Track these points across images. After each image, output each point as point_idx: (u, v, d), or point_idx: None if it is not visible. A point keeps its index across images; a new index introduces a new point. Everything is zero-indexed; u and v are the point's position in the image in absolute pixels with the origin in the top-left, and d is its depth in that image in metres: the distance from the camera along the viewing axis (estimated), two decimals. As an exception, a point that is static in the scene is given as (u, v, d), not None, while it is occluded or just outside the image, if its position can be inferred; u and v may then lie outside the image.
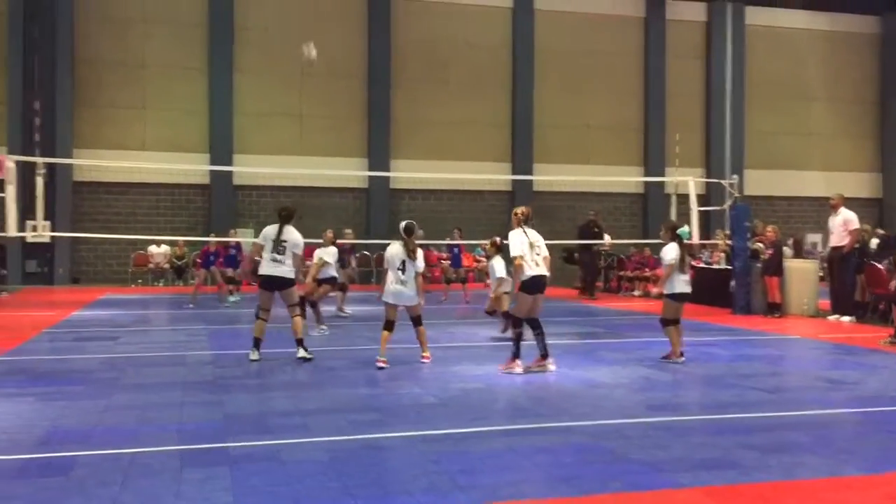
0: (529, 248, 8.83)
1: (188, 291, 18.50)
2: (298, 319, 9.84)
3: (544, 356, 8.99)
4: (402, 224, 9.50)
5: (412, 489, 4.72)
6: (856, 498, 4.71)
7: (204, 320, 14.55)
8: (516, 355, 8.88)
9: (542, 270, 8.90)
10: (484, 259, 26.10)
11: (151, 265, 24.35)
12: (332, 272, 13.07)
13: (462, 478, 4.94)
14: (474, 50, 27.49)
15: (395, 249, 9.32)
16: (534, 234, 9.02)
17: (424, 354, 9.51)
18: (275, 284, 9.70)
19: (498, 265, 11.81)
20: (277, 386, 8.08)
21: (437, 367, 9.20)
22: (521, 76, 27.68)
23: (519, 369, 8.79)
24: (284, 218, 9.88)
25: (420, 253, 9.40)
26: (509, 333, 9.78)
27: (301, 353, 9.56)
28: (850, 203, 15.52)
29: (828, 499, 4.68)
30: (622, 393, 7.82)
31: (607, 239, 21.42)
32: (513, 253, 8.97)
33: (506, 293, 11.70)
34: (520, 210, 9.18)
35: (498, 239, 12.05)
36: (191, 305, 16.92)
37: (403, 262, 9.22)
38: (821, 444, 5.88)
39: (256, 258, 10.23)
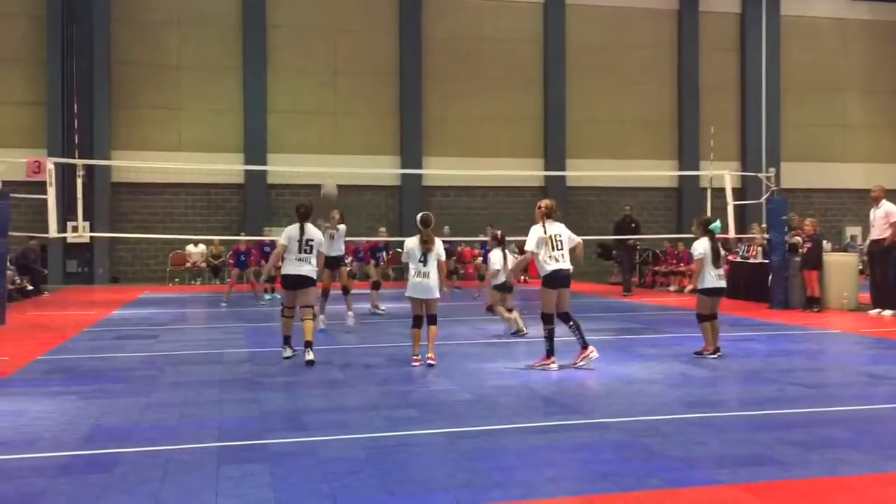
0: (546, 244, 8.77)
1: (224, 290, 18.69)
2: (310, 323, 9.46)
3: (584, 347, 8.93)
4: (419, 216, 9.41)
5: (450, 486, 4.73)
6: (900, 495, 4.63)
7: (240, 318, 14.70)
8: (550, 353, 8.84)
9: (563, 265, 8.81)
10: (517, 255, 26.15)
11: (189, 264, 24.66)
12: (342, 249, 12.93)
13: (499, 474, 4.94)
14: (506, 45, 27.43)
15: (413, 242, 9.24)
16: (556, 228, 8.91)
17: (430, 356, 9.07)
18: (297, 283, 9.53)
19: (495, 257, 12.01)
20: (313, 383, 8.13)
21: (472, 364, 9.20)
22: (553, 71, 27.57)
23: (554, 366, 8.75)
24: (303, 215, 9.63)
25: (439, 242, 9.27)
26: (540, 331, 9.66)
27: (309, 355, 9.15)
28: (892, 195, 15.24)
29: (871, 496, 4.60)
30: (658, 389, 7.76)
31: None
32: (525, 247, 8.98)
33: (496, 289, 11.87)
34: (543, 203, 9.06)
35: (499, 233, 12.40)
36: (224, 304, 17.09)
37: (425, 254, 9.11)
38: (863, 440, 5.79)
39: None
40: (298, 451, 5.54)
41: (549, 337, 8.86)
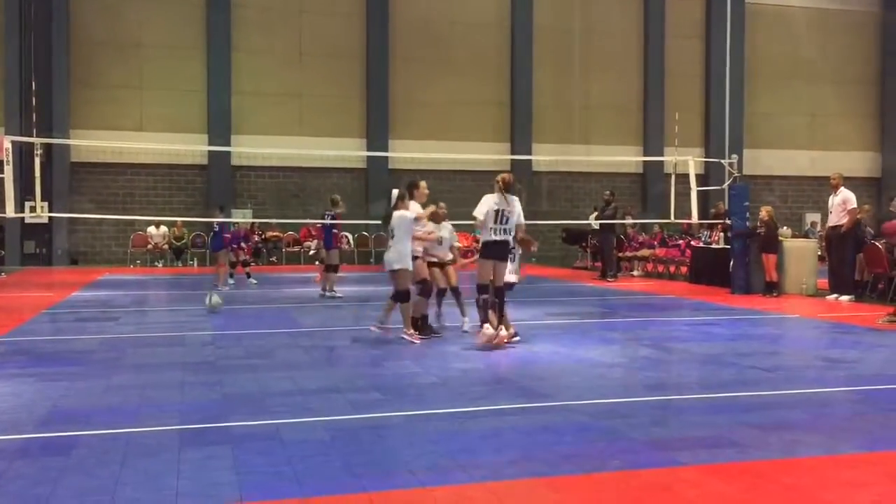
0: (494, 217, 8.89)
1: (185, 272, 18.37)
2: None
3: (481, 325, 9.04)
4: None
5: (414, 468, 4.74)
6: (855, 476, 4.72)
7: (203, 301, 14.52)
8: (483, 320, 8.94)
9: (499, 237, 8.92)
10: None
11: (150, 246, 24.35)
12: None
13: (463, 456, 4.95)
14: (473, 29, 27.35)
15: None
16: (510, 204, 8.99)
17: None
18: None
19: None
20: (277, 366, 8.09)
21: (438, 347, 9.21)
22: (520, 55, 27.54)
23: (491, 331, 8.83)
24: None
25: None
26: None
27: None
28: (849, 182, 15.52)
29: (826, 476, 4.70)
30: (621, 372, 7.84)
31: (592, 218, 21.37)
32: (474, 212, 9.07)
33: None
34: (501, 177, 9.20)
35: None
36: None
37: None
38: (819, 422, 5.90)
39: None
40: (262, 433, 5.50)
41: (483, 306, 8.95)
